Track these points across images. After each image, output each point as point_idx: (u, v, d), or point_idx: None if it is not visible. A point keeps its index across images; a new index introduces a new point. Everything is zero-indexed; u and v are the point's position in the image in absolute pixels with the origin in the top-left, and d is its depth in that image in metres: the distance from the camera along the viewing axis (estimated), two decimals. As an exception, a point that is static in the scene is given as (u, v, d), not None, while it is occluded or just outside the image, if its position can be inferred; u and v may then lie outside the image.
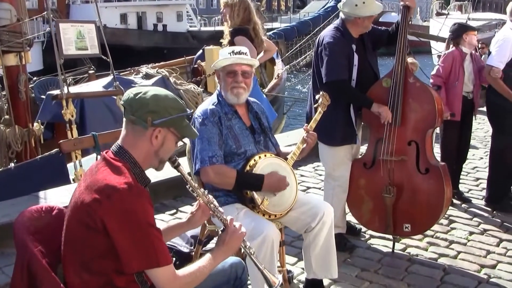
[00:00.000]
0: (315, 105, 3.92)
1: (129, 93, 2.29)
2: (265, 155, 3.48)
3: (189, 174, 2.76)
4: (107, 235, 2.08)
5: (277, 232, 3.25)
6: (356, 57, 4.32)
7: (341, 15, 4.44)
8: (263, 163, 3.40)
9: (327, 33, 4.42)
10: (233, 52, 3.45)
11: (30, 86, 7.72)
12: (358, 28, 4.37)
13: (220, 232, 2.49)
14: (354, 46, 4.34)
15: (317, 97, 3.94)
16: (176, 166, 2.44)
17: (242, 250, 2.51)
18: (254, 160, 3.41)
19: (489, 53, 5.49)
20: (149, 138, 2.25)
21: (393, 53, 4.29)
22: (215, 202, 2.58)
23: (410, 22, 4.43)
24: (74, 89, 6.84)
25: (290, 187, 3.42)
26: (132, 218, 2.08)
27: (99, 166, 2.22)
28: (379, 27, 4.62)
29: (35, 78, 9.63)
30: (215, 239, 4.00)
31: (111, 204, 2.07)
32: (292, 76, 13.72)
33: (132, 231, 2.08)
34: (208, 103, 3.53)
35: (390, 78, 4.30)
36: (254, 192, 3.33)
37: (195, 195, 2.55)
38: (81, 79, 10.12)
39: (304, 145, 3.65)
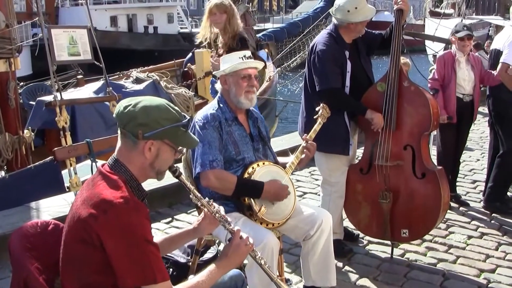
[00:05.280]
0: (315, 116, 3.90)
1: (120, 105, 2.23)
2: (264, 163, 3.45)
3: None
4: (104, 250, 2.04)
5: (276, 241, 3.22)
6: (349, 63, 4.29)
7: (334, 20, 4.39)
8: (262, 171, 3.38)
9: (319, 40, 4.38)
10: (244, 56, 3.44)
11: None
12: (351, 33, 4.34)
13: (226, 242, 2.43)
14: (347, 53, 4.31)
15: (317, 108, 3.92)
16: (178, 176, 2.39)
17: (252, 260, 2.47)
18: (253, 168, 3.38)
19: (495, 53, 5.43)
20: (141, 151, 2.20)
21: (386, 53, 4.26)
22: (222, 212, 2.51)
23: (404, 25, 4.40)
24: (65, 95, 6.75)
25: (288, 196, 3.39)
26: (129, 233, 2.04)
27: (96, 180, 2.18)
28: (373, 31, 4.58)
29: (21, 83, 9.53)
30: (212, 248, 4.00)
31: (107, 219, 2.02)
32: (283, 78, 13.68)
33: (129, 246, 2.04)
34: (209, 108, 3.51)
35: (384, 82, 4.27)
36: (252, 200, 3.30)
37: (199, 204, 2.50)
38: (69, 84, 10.03)
39: (303, 156, 3.62)
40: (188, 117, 2.29)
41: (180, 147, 2.34)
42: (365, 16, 4.26)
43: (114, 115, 2.25)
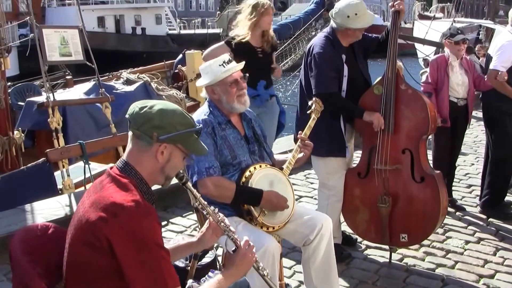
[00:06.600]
0: (308, 111, 3.84)
1: (135, 106, 2.19)
2: (261, 166, 3.39)
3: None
4: (113, 255, 1.98)
5: (277, 245, 3.19)
6: (345, 67, 4.26)
7: (332, 23, 4.35)
8: (259, 174, 3.31)
9: (316, 43, 4.33)
10: (224, 62, 3.34)
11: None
12: (348, 38, 4.30)
13: (230, 252, 2.39)
14: (344, 56, 4.27)
15: (310, 103, 3.86)
16: (184, 183, 2.37)
17: (255, 271, 2.43)
18: (250, 171, 3.31)
19: (487, 58, 5.44)
20: (154, 154, 2.16)
21: (378, 57, 4.23)
22: (226, 221, 2.48)
23: (400, 26, 4.37)
24: (56, 96, 6.66)
25: (287, 198, 3.33)
26: (139, 238, 1.99)
27: (104, 182, 2.12)
28: (370, 34, 4.55)
29: (9, 83, 9.43)
30: (211, 253, 3.92)
31: (118, 223, 1.97)
32: (275, 80, 13.64)
33: (139, 251, 1.99)
34: (200, 113, 3.41)
35: (381, 85, 4.23)
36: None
37: (205, 213, 2.47)
38: (57, 85, 9.92)
39: (300, 155, 3.57)
40: (201, 125, 2.26)
41: (191, 154, 2.30)
42: (364, 23, 4.21)
43: (127, 116, 2.20)
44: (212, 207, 2.49)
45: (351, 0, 4.19)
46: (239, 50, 5.31)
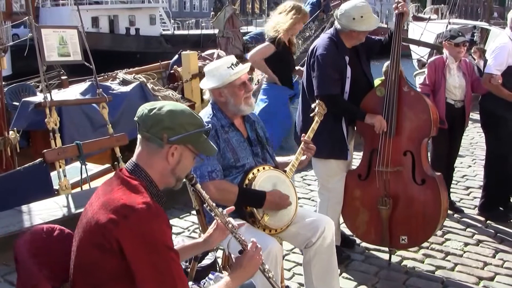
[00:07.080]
0: (312, 114, 3.83)
1: (143, 108, 2.18)
2: (264, 168, 3.37)
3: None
4: (123, 257, 1.97)
5: (280, 247, 3.17)
6: (349, 69, 4.25)
7: (336, 24, 4.34)
8: (262, 177, 3.30)
9: (320, 44, 4.32)
10: (232, 64, 3.32)
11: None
12: (352, 40, 4.30)
13: (232, 254, 2.38)
14: (347, 58, 4.26)
15: (313, 106, 3.86)
16: (194, 184, 2.36)
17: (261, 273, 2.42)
18: (253, 174, 3.30)
19: (485, 61, 5.46)
20: (165, 156, 2.15)
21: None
22: (234, 223, 2.48)
23: (403, 28, 4.37)
24: (54, 96, 6.64)
25: (289, 196, 3.32)
26: (150, 240, 1.97)
27: (114, 184, 2.11)
28: (373, 36, 4.54)
29: (3, 83, 9.37)
30: (211, 254, 3.90)
31: (128, 225, 1.95)
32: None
33: (149, 253, 1.98)
34: (203, 115, 3.38)
35: (383, 87, 4.22)
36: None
37: (212, 214, 2.47)
38: (51, 85, 9.87)
39: (303, 157, 3.56)
40: (210, 125, 2.25)
41: (200, 154, 2.29)
42: (369, 25, 4.20)
43: (136, 118, 2.18)
44: (220, 209, 2.49)
45: (357, 2, 4.19)
46: (282, 51, 5.41)
